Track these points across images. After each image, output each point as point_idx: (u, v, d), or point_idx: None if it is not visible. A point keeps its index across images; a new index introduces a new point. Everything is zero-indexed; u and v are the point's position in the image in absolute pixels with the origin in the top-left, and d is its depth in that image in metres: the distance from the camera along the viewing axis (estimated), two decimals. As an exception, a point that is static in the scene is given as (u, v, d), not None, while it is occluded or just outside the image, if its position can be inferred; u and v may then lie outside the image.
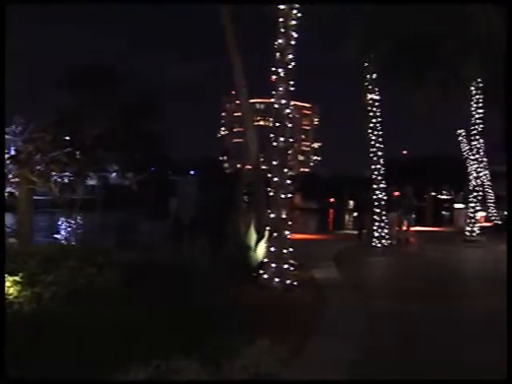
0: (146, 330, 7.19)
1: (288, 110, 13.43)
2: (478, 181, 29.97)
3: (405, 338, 9.28)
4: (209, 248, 14.22)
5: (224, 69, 19.91)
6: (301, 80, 15.16)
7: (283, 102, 13.35)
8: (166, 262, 12.06)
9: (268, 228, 13.38)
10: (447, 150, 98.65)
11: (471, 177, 29.54)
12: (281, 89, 13.35)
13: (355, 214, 39.93)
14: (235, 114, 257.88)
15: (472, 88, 28.49)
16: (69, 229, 17.41)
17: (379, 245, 24.45)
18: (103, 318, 7.63)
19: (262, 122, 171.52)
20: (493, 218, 41.69)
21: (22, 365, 5.97)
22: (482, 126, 29.05)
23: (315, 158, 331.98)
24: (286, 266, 12.90)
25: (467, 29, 22.78)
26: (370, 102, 25.12)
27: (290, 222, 13.38)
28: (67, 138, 17.47)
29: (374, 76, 25.20)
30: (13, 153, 16.32)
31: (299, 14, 13.58)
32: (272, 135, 13.38)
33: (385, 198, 25.13)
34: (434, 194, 62.34)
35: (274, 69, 13.45)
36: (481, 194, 30.51)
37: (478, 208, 29.43)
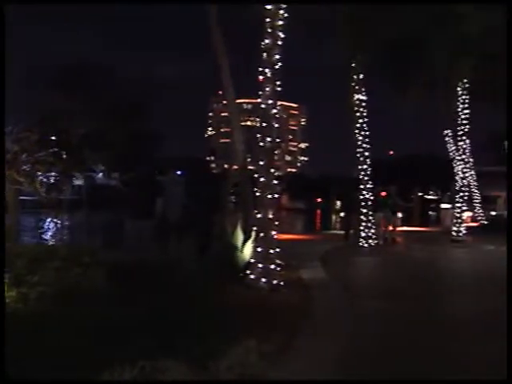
0: (132, 330, 7.18)
1: (275, 110, 13.41)
2: (465, 181, 30.10)
3: (391, 337, 9.29)
4: (195, 248, 14.22)
5: (211, 69, 19.90)
6: (288, 80, 15.18)
7: (270, 102, 13.32)
8: (153, 262, 12.05)
9: (255, 228, 13.37)
10: (434, 150, 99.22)
11: (457, 177, 29.65)
12: (267, 89, 13.33)
13: (342, 214, 39.96)
14: (222, 114, 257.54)
15: (458, 89, 28.58)
16: (55, 229, 17.37)
17: (366, 245, 24.50)
18: (89, 319, 7.61)
19: (249, 122, 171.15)
20: (479, 218, 41.93)
21: (5, 365, 5.94)
22: (468, 126, 29.17)
23: (302, 158, 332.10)
24: (272, 266, 12.87)
25: (456, 29, 22.91)
26: (357, 102, 25.16)
27: (276, 222, 13.36)
28: (53, 137, 17.40)
29: (361, 76, 25.24)
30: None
31: (286, 15, 13.56)
32: (259, 135, 13.37)
33: (371, 198, 25.19)
34: (420, 194, 62.52)
35: (260, 69, 13.43)
36: (467, 194, 30.62)
37: (464, 208, 29.54)
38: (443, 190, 57.66)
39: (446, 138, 39.27)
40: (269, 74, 13.31)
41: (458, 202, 29.18)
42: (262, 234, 13.03)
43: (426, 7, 22.39)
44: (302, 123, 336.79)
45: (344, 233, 27.97)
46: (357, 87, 25.22)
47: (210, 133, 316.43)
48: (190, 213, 18.28)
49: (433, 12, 22.84)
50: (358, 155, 25.25)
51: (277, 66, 13.38)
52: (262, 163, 13.19)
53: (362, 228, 24.81)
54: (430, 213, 63.78)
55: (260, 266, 12.81)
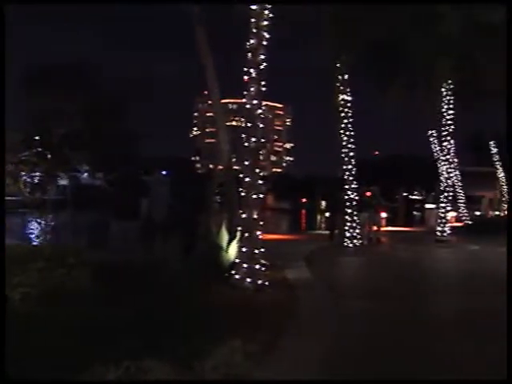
0: (118, 330, 7.16)
1: (260, 111, 13.41)
2: (449, 181, 30.20)
3: (376, 337, 9.31)
4: (181, 248, 14.19)
5: (196, 68, 19.85)
6: (273, 80, 15.19)
7: (255, 102, 13.32)
8: (138, 263, 12.02)
9: (240, 228, 13.36)
10: (419, 150, 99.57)
11: (442, 177, 29.78)
12: (252, 89, 13.33)
13: (327, 214, 40.05)
14: (208, 114, 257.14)
15: (443, 89, 28.70)
16: (39, 229, 17.30)
17: (351, 245, 24.56)
18: (74, 319, 7.59)
19: (234, 123, 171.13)
20: (463, 218, 42.10)
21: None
22: (452, 127, 29.29)
23: (287, 158, 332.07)
24: (257, 267, 12.87)
25: (436, 29, 23.02)
26: (342, 102, 25.21)
27: (261, 223, 13.38)
28: (36, 137, 17.34)
29: (346, 77, 25.28)
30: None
31: (271, 15, 13.57)
32: (244, 135, 13.36)
33: (356, 198, 25.25)
34: (405, 194, 62.77)
35: (245, 69, 13.43)
36: (451, 194, 30.73)
37: (448, 208, 29.66)
38: (428, 190, 58.05)
39: (431, 139, 39.39)
40: (254, 75, 13.31)
41: (442, 202, 29.30)
42: (247, 234, 13.02)
43: (407, 7, 22.45)
44: (287, 123, 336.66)
45: (329, 233, 28.03)
46: (342, 87, 25.28)
47: (195, 133, 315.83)
48: (176, 213, 18.26)
49: (413, 12, 22.92)
50: (343, 155, 25.30)
51: (262, 66, 13.38)
52: (247, 163, 13.18)
53: (346, 228, 24.86)
54: (415, 213, 64.04)
55: (245, 266, 12.81)
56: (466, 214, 42.57)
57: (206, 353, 6.77)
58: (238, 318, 9.30)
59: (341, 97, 25.20)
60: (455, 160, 36.97)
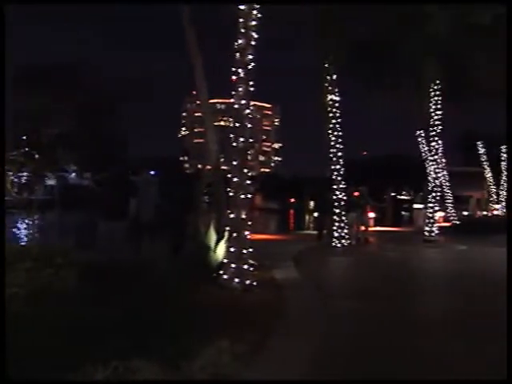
0: (106, 330, 7.14)
1: (248, 111, 13.41)
2: (437, 181, 30.27)
3: (365, 337, 9.32)
4: (169, 248, 14.17)
5: (185, 68, 19.82)
6: (261, 80, 15.18)
7: (243, 102, 13.32)
8: (126, 263, 11.99)
9: (228, 228, 13.35)
10: (407, 150, 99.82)
11: (430, 177, 29.86)
12: (241, 89, 13.32)
13: (315, 214, 40.02)
14: (196, 114, 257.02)
15: (431, 90, 28.77)
16: (27, 229, 17.22)
17: (339, 245, 24.59)
18: (62, 319, 7.56)
19: (222, 123, 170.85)
20: (451, 218, 42.23)
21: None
22: (440, 127, 29.36)
23: (276, 158, 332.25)
24: (245, 267, 12.87)
25: (426, 29, 23.08)
26: (330, 102, 25.24)
27: (249, 223, 13.36)
28: (24, 137, 17.27)
29: (334, 77, 25.31)
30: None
31: (259, 15, 13.57)
32: (232, 135, 13.36)
33: (344, 198, 25.28)
34: (393, 194, 62.89)
35: (234, 69, 13.43)
36: (439, 194, 30.80)
37: (436, 208, 29.74)
38: (416, 190, 58.03)
39: (419, 139, 39.50)
40: (242, 74, 13.31)
41: (430, 202, 29.39)
42: (235, 234, 13.02)
43: (394, 7, 22.48)
44: (276, 123, 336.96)
45: (317, 233, 28.05)
46: (330, 88, 25.30)
47: (183, 133, 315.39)
48: (164, 213, 18.20)
49: (401, 12, 22.96)
50: (331, 155, 25.32)
51: (250, 66, 13.39)
52: (235, 163, 13.18)
53: (334, 228, 24.89)
54: (403, 213, 64.05)
55: (233, 266, 12.80)
56: (453, 214, 42.70)
57: (193, 353, 6.76)
58: (226, 318, 9.29)
59: (329, 97, 25.23)
60: (443, 160, 37.06)
